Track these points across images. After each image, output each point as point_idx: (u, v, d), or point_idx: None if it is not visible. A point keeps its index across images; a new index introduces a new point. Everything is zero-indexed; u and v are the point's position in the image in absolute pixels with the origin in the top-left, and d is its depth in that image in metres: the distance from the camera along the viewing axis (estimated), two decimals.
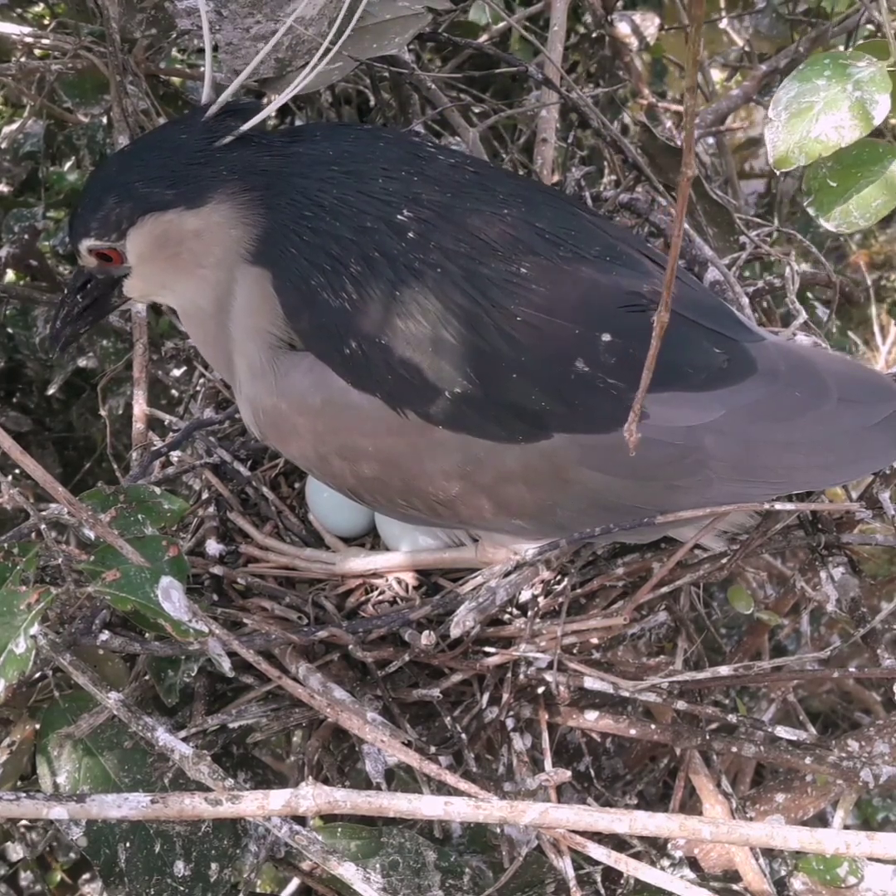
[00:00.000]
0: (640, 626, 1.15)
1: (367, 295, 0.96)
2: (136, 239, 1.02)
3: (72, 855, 1.52)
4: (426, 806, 0.79)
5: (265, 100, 1.18)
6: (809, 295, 1.71)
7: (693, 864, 1.20)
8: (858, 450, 1.02)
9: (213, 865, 1.05)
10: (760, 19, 1.97)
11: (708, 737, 1.12)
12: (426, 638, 1.08)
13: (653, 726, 1.14)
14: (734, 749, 1.12)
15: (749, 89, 1.84)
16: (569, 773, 1.06)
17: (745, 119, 2.28)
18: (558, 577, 1.14)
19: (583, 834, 0.82)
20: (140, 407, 1.30)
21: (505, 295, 0.96)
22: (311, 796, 0.79)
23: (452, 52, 1.68)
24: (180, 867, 1.04)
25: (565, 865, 1.05)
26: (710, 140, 2.00)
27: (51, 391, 1.78)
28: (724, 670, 1.11)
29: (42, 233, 1.66)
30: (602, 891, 1.18)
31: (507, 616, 1.14)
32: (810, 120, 0.96)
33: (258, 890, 1.38)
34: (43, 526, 0.95)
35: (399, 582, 1.19)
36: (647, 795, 1.47)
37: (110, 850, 1.03)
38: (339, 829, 1.06)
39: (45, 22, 1.71)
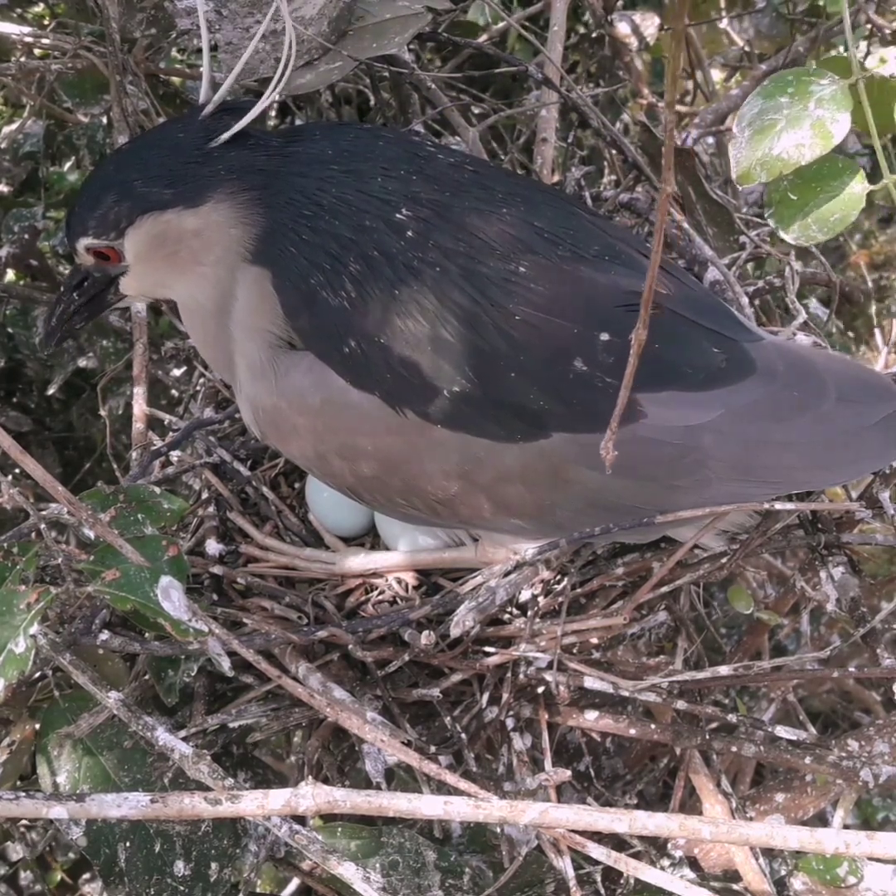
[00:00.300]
0: (639, 626, 1.15)
1: (367, 294, 0.96)
2: (134, 238, 1.02)
3: (71, 855, 1.52)
4: (426, 805, 0.79)
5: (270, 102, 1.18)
6: (813, 298, 1.72)
7: (693, 863, 1.20)
8: (857, 450, 1.02)
9: (213, 865, 1.05)
10: (760, 19, 1.97)
11: (708, 736, 1.12)
12: (426, 638, 1.08)
13: (653, 726, 1.14)
14: (734, 749, 1.12)
15: (749, 89, 1.83)
16: (568, 773, 1.06)
17: None
18: (558, 577, 1.14)
19: (582, 834, 0.82)
20: (140, 407, 1.30)
21: (504, 294, 0.96)
22: (311, 796, 0.79)
23: (452, 52, 1.68)
24: (180, 867, 1.04)
25: (565, 865, 1.05)
26: (710, 140, 2.00)
27: (51, 391, 1.78)
28: (723, 670, 1.11)
29: (42, 233, 1.66)
30: (602, 890, 1.17)
31: (506, 616, 1.14)
32: (773, 137, 0.98)
33: (258, 890, 1.38)
34: (43, 525, 0.95)
35: (399, 582, 1.19)
36: (647, 795, 1.47)
37: (110, 850, 1.03)
38: (339, 829, 1.06)
39: (45, 22, 1.71)
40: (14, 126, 1.69)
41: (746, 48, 2.06)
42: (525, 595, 1.12)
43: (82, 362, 1.76)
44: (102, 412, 1.65)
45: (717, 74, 2.23)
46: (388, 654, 1.12)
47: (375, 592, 1.19)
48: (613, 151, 1.45)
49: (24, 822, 1.38)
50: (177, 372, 1.66)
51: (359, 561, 1.19)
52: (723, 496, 1.00)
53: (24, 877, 1.60)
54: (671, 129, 0.59)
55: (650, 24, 1.77)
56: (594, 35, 1.91)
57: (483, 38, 1.74)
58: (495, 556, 1.11)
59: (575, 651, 1.14)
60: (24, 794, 0.82)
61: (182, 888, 1.03)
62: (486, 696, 1.14)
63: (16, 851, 1.56)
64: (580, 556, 1.14)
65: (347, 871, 0.82)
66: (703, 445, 0.97)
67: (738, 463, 0.99)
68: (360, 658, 1.12)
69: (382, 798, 0.79)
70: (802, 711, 1.62)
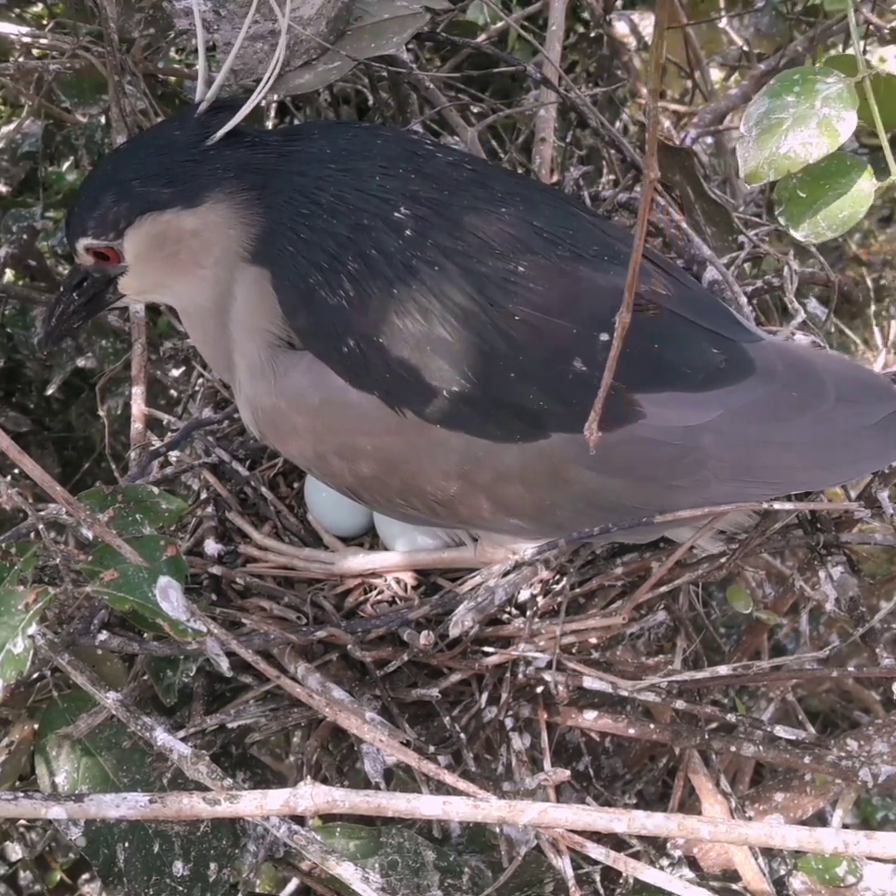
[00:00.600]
0: (638, 626, 1.15)
1: (365, 293, 0.96)
2: (133, 238, 1.02)
3: (71, 855, 1.52)
4: (425, 805, 0.79)
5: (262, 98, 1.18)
6: (811, 297, 1.72)
7: (692, 863, 1.20)
8: (857, 450, 1.02)
9: (212, 865, 1.05)
10: (760, 18, 1.97)
11: (707, 736, 1.12)
12: (425, 638, 1.08)
13: (652, 726, 1.14)
14: (733, 748, 1.12)
15: (748, 89, 1.84)
16: (568, 773, 1.06)
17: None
18: (557, 577, 1.14)
19: (581, 833, 0.82)
20: (139, 407, 1.30)
21: (503, 294, 0.96)
22: (310, 796, 0.79)
23: (451, 52, 1.68)
24: (179, 867, 1.04)
25: (564, 865, 1.05)
26: (709, 140, 2.00)
27: (50, 391, 1.78)
28: (723, 670, 1.11)
29: (40, 233, 1.66)
30: (601, 890, 1.18)
31: (505, 616, 1.14)
32: (780, 136, 0.98)
33: (257, 890, 1.38)
34: (41, 526, 0.95)
35: (398, 582, 1.19)
36: (646, 795, 1.47)
37: (109, 850, 1.03)
38: (338, 829, 1.06)
39: (44, 22, 1.71)
40: (12, 126, 1.69)
41: (745, 48, 2.06)
42: (524, 595, 1.12)
43: (81, 362, 1.76)
44: (101, 412, 1.65)
45: (716, 74, 2.23)
46: (387, 654, 1.12)
47: (374, 592, 1.19)
48: (612, 151, 1.44)
49: (23, 822, 1.38)
50: (175, 372, 1.66)
51: (358, 561, 1.19)
52: (722, 496, 1.00)
53: (24, 877, 1.60)
54: (655, 110, 0.59)
55: (649, 23, 1.77)
56: (593, 35, 1.91)
57: (482, 37, 1.74)
58: (494, 556, 1.11)
59: (574, 651, 1.14)
60: (22, 794, 0.82)
61: (181, 888, 1.03)
62: (485, 696, 1.14)
63: (15, 852, 1.56)
64: (579, 556, 1.14)
65: (346, 872, 0.82)
66: (702, 446, 0.97)
67: (737, 463, 0.99)
68: (359, 658, 1.12)
69: (381, 798, 0.79)
70: (801, 711, 1.62)
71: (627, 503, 1.00)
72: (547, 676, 1.11)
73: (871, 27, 1.47)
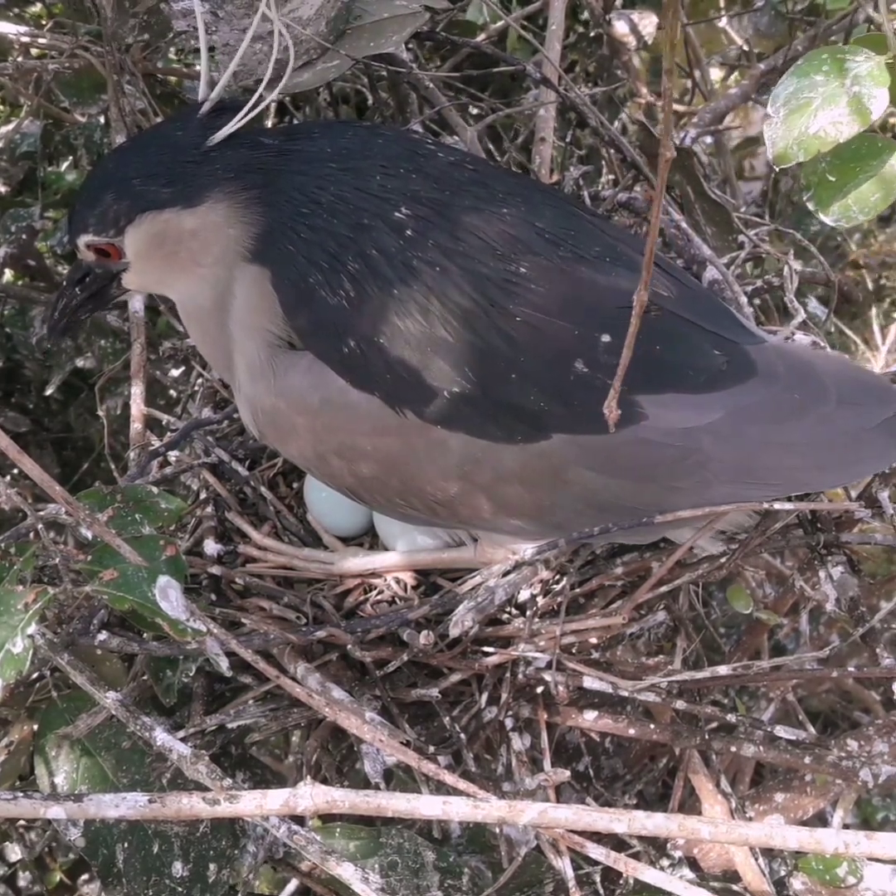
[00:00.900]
0: (638, 626, 1.15)
1: (366, 293, 0.96)
2: (133, 236, 1.02)
3: (70, 855, 1.52)
4: (425, 805, 0.79)
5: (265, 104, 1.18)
6: (811, 297, 1.72)
7: (692, 864, 1.19)
8: (858, 451, 1.02)
9: (212, 866, 1.05)
10: (759, 18, 1.97)
11: (707, 736, 1.12)
12: (425, 638, 1.07)
13: (652, 726, 1.14)
14: (733, 749, 1.12)
15: (748, 88, 1.84)
16: (568, 773, 1.06)
17: (744, 118, 2.28)
18: (557, 577, 1.14)
19: (582, 834, 0.82)
20: (138, 407, 1.30)
21: (504, 294, 0.95)
22: (310, 796, 0.79)
23: (450, 51, 1.68)
24: (178, 868, 1.04)
25: (564, 865, 1.05)
26: (709, 139, 2.00)
27: (49, 391, 1.78)
28: (723, 670, 1.11)
29: (40, 233, 1.65)
30: (601, 891, 1.17)
31: (505, 616, 1.14)
32: (808, 116, 0.96)
33: (256, 891, 1.38)
34: (40, 526, 0.95)
35: (397, 581, 1.19)
36: (647, 795, 1.47)
37: (108, 851, 1.03)
38: (338, 830, 1.06)
39: (43, 21, 1.71)
40: (11, 126, 1.69)
41: (745, 47, 2.06)
42: (524, 595, 1.12)
43: (80, 362, 1.76)
44: (100, 412, 1.65)
45: (715, 73, 2.23)
46: (386, 654, 1.12)
47: (374, 592, 1.19)
48: (612, 151, 1.44)
49: (22, 822, 1.38)
50: (175, 372, 1.66)
51: (357, 561, 1.19)
52: (723, 498, 1.00)
53: (23, 877, 1.60)
54: (669, 91, 0.59)
55: (648, 23, 1.77)
56: (592, 34, 1.91)
57: (481, 37, 1.74)
58: (494, 557, 1.11)
59: (574, 651, 1.14)
60: (22, 794, 0.82)
61: (180, 889, 1.03)
62: (484, 696, 1.14)
63: (14, 852, 1.56)
64: (579, 556, 1.14)
65: (346, 872, 0.82)
66: (703, 447, 0.97)
67: (739, 465, 0.99)
68: (359, 658, 1.12)
69: (381, 798, 0.79)
70: (802, 711, 1.62)
71: (628, 504, 1.00)
72: (547, 676, 1.10)
73: (871, 28, 1.46)
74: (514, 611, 1.14)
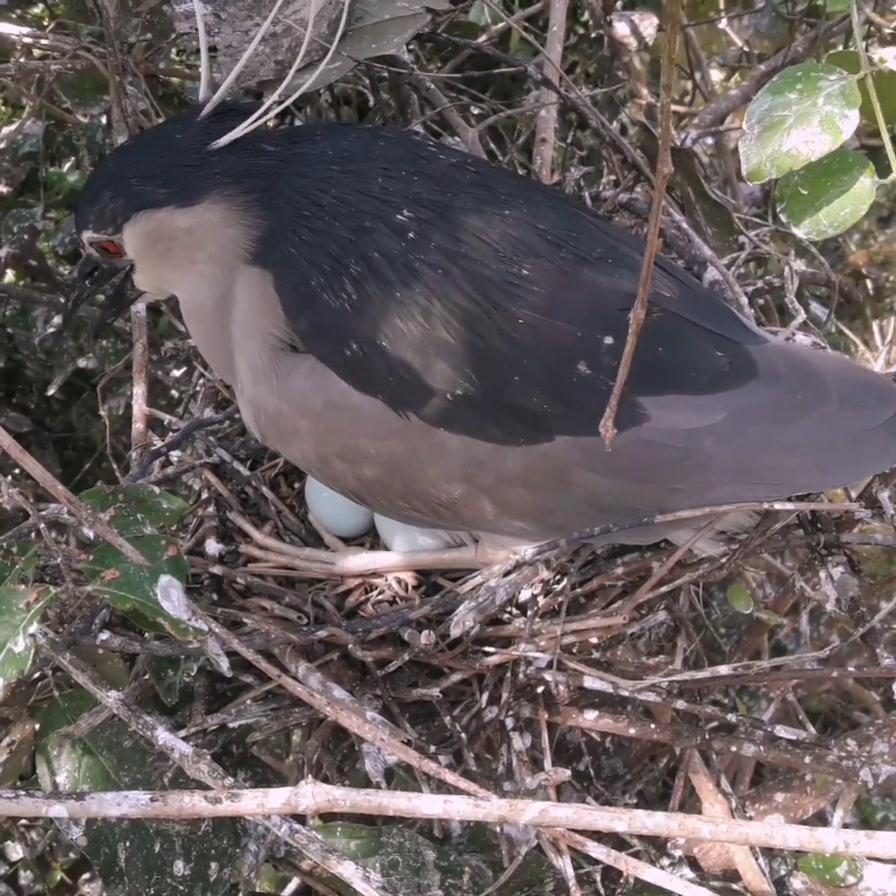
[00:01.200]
0: (639, 626, 1.15)
1: (367, 295, 0.96)
2: (130, 234, 1.04)
3: (71, 854, 1.52)
4: (426, 804, 0.79)
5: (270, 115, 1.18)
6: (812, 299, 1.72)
7: (693, 863, 1.20)
8: (860, 452, 1.01)
9: (213, 865, 1.05)
10: (760, 19, 1.97)
11: (707, 736, 1.12)
12: (426, 637, 1.08)
13: (652, 726, 1.14)
14: (734, 748, 1.12)
15: (748, 89, 1.84)
16: (568, 773, 1.06)
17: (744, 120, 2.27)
18: (558, 577, 1.14)
19: (582, 833, 0.82)
20: (140, 407, 1.30)
21: (506, 297, 0.95)
22: (311, 795, 0.79)
23: (452, 53, 1.68)
24: (180, 866, 1.04)
25: (565, 864, 1.05)
26: (709, 140, 2.00)
27: (51, 391, 1.78)
28: (723, 670, 1.11)
29: (41, 233, 1.66)
30: (601, 890, 1.17)
31: (506, 615, 1.14)
32: (782, 134, 0.97)
33: (257, 889, 1.38)
34: (42, 525, 0.95)
35: (398, 581, 1.19)
36: (647, 795, 1.47)
37: (110, 850, 1.03)
38: (339, 829, 1.06)
39: (45, 22, 1.71)
40: (13, 126, 1.69)
41: (745, 48, 2.06)
42: (525, 595, 1.12)
43: (82, 362, 1.76)
44: (102, 412, 1.65)
45: (716, 75, 2.23)
46: (387, 654, 1.12)
47: (375, 592, 1.19)
48: (612, 151, 1.44)
49: (23, 821, 1.38)
50: (176, 372, 1.67)
51: (358, 561, 1.19)
52: (725, 499, 1.00)
53: (24, 876, 1.60)
54: (667, 105, 0.59)
55: (649, 24, 1.77)
56: (593, 35, 1.91)
57: (482, 38, 1.74)
58: (495, 557, 1.11)
59: (574, 651, 1.14)
60: (23, 792, 0.82)
61: (182, 888, 1.03)
62: (485, 696, 1.14)
63: (16, 851, 1.56)
64: (580, 556, 1.14)
65: (347, 871, 0.82)
66: (705, 448, 0.97)
67: (741, 465, 0.99)
68: (360, 658, 1.12)
69: (382, 797, 0.79)
70: (802, 711, 1.62)
71: (630, 505, 1.00)
72: (547, 676, 1.11)
73: (872, 27, 1.47)
74: (514, 611, 1.14)
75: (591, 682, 1.11)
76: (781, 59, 1.79)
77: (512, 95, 1.81)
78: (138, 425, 1.29)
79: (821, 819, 1.30)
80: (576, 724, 1.18)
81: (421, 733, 1.13)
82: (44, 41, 1.50)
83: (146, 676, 1.11)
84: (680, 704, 1.11)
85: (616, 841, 1.10)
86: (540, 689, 1.14)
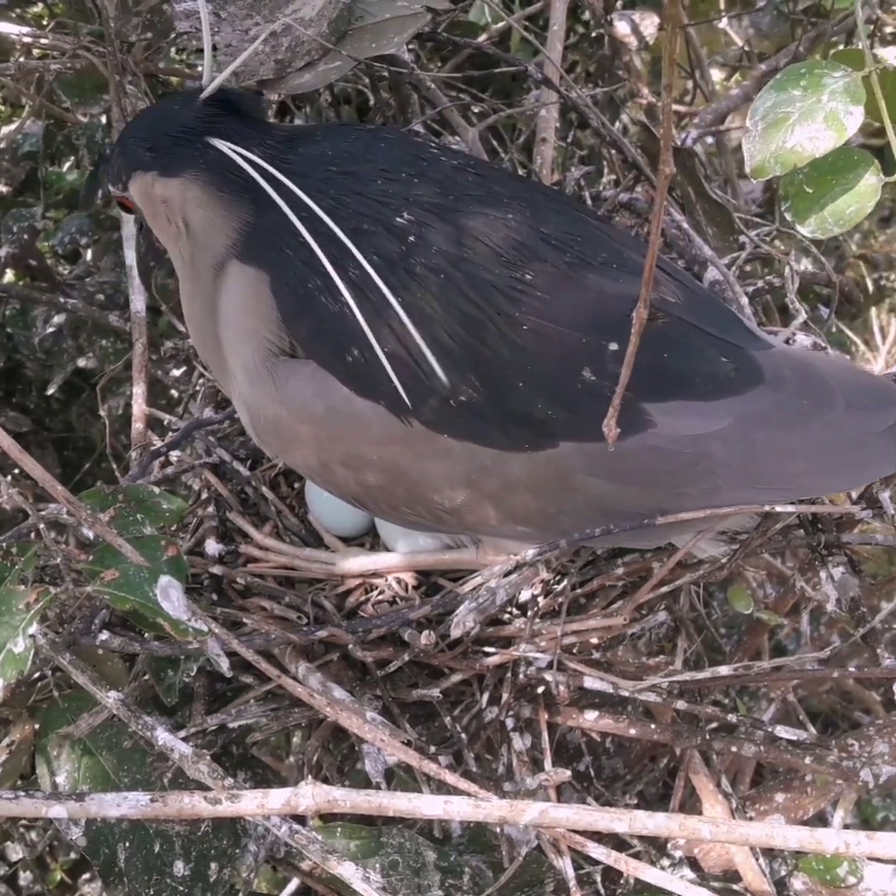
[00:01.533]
0: (639, 626, 1.15)
1: (367, 300, 0.95)
2: (133, 192, 1.06)
3: (71, 855, 1.52)
4: (426, 805, 0.79)
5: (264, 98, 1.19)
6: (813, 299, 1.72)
7: (693, 863, 1.20)
8: (865, 456, 1.01)
9: (213, 865, 1.05)
10: (761, 18, 1.97)
11: (708, 736, 1.12)
12: (426, 638, 1.08)
13: (653, 726, 1.14)
14: (734, 749, 1.12)
15: (749, 89, 1.84)
16: (568, 773, 1.06)
17: (745, 119, 2.27)
18: (558, 577, 1.14)
19: (582, 833, 0.82)
20: (139, 407, 1.30)
21: (510, 302, 0.94)
22: (311, 795, 0.79)
23: (452, 52, 1.68)
24: (180, 867, 1.04)
25: (565, 865, 1.05)
26: (710, 140, 2.00)
27: (50, 391, 1.78)
28: (724, 670, 1.11)
29: (41, 233, 1.66)
30: (602, 891, 1.17)
31: (506, 616, 1.14)
32: (786, 131, 0.97)
33: (257, 890, 1.38)
34: (42, 525, 0.95)
35: (399, 582, 1.19)
36: (647, 795, 1.47)
37: (110, 850, 1.03)
38: (339, 829, 1.06)
39: (44, 22, 1.71)
40: (13, 126, 1.69)
41: (746, 48, 2.06)
42: (525, 595, 1.12)
43: (82, 362, 1.76)
44: (102, 412, 1.65)
45: (716, 74, 2.23)
46: (387, 654, 1.12)
47: (375, 592, 1.19)
48: (613, 151, 1.44)
49: (23, 821, 1.38)
50: (176, 372, 1.66)
51: (358, 561, 1.19)
52: (730, 504, 0.99)
53: (24, 877, 1.60)
54: (668, 105, 0.59)
55: (649, 23, 1.77)
56: (593, 35, 1.91)
57: (483, 37, 1.74)
58: (496, 559, 1.11)
59: (575, 651, 1.14)
60: (23, 793, 0.82)
61: (181, 888, 1.03)
62: (485, 697, 1.14)
63: (15, 851, 1.56)
64: (580, 557, 1.14)
65: (347, 871, 0.82)
66: (712, 453, 0.96)
67: (747, 470, 0.98)
68: (360, 658, 1.12)
69: (382, 797, 0.79)
70: (802, 711, 1.62)
71: (635, 511, 0.99)
72: (548, 677, 1.10)
73: (875, 25, 1.46)
74: (515, 611, 1.14)
75: (592, 682, 1.11)
76: (782, 58, 1.78)
77: (512, 95, 1.81)
78: (138, 425, 1.29)
79: (821, 819, 1.30)
80: (576, 725, 1.18)
81: (421, 734, 1.13)
82: (43, 40, 1.49)
83: (146, 677, 1.11)
84: (680, 705, 1.11)
85: (616, 841, 1.10)
86: (540, 690, 1.14)
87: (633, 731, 1.14)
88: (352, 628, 1.10)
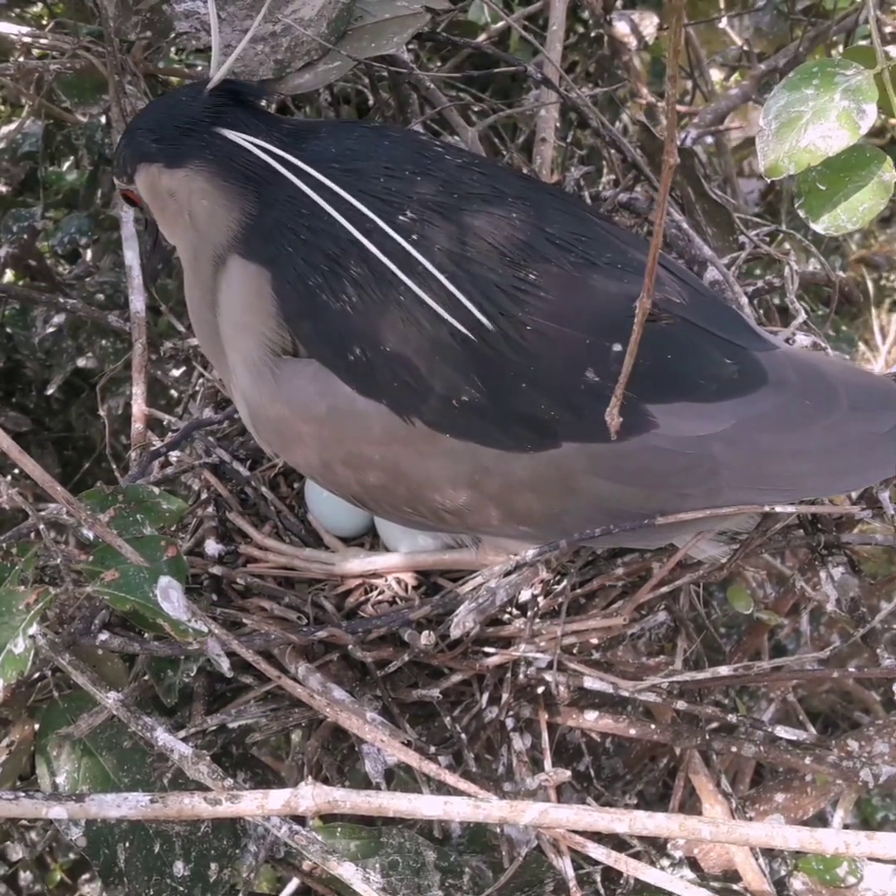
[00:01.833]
0: (639, 626, 1.15)
1: (369, 299, 0.95)
2: (138, 183, 1.06)
3: (71, 855, 1.52)
4: (426, 805, 0.79)
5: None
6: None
7: (693, 864, 1.20)
8: (869, 457, 1.01)
9: (213, 865, 1.05)
10: (760, 18, 1.97)
11: (708, 737, 1.12)
12: (426, 638, 1.07)
13: (652, 726, 1.14)
14: (734, 749, 1.12)
15: (748, 89, 1.84)
16: (568, 773, 1.06)
17: (744, 119, 2.28)
18: (558, 578, 1.14)
19: (582, 834, 0.82)
20: (139, 407, 1.30)
21: (513, 302, 0.94)
22: (311, 796, 0.79)
23: (451, 52, 1.68)
24: (180, 867, 1.04)
25: (565, 865, 1.05)
26: (709, 139, 2.00)
27: (50, 391, 1.78)
28: (723, 670, 1.11)
29: (41, 233, 1.66)
30: (602, 891, 1.18)
31: (506, 616, 1.14)
32: (799, 129, 0.97)
33: (257, 890, 1.38)
34: (42, 526, 0.95)
35: (398, 582, 1.19)
36: (647, 795, 1.47)
37: (110, 850, 1.03)
38: (339, 829, 1.06)
39: (44, 22, 1.71)
40: (13, 126, 1.69)
41: (745, 47, 2.06)
42: (525, 595, 1.12)
43: (81, 362, 1.76)
44: (101, 412, 1.65)
45: (715, 74, 2.23)
46: (387, 655, 1.12)
47: (375, 592, 1.19)
48: (612, 151, 1.44)
49: (23, 822, 1.38)
50: (176, 372, 1.66)
51: (358, 561, 1.19)
52: (733, 504, 0.99)
53: (24, 877, 1.60)
54: (673, 97, 0.59)
55: (649, 23, 1.77)
56: (593, 35, 1.91)
57: (482, 37, 1.74)
58: (496, 560, 1.11)
59: (575, 651, 1.14)
60: (23, 794, 0.82)
61: (181, 888, 1.03)
62: (485, 697, 1.14)
63: (15, 852, 1.56)
64: (580, 557, 1.14)
65: (347, 872, 0.82)
66: (715, 455, 0.96)
67: (750, 471, 0.98)
68: (360, 658, 1.12)
69: (382, 798, 0.79)
70: (802, 711, 1.62)
71: (637, 512, 0.99)
72: (548, 677, 1.10)
73: (877, 24, 1.46)
74: (515, 611, 1.14)
75: (592, 682, 1.11)
76: (781, 58, 1.79)
77: (512, 95, 1.81)
78: (137, 425, 1.29)
79: (821, 819, 1.30)
80: (576, 725, 1.17)
81: (421, 734, 1.13)
82: (43, 40, 1.50)
83: (146, 677, 1.11)
84: (680, 705, 1.11)
85: (616, 842, 1.09)
86: (540, 690, 1.14)
87: (633, 731, 1.14)
88: (352, 628, 1.10)
